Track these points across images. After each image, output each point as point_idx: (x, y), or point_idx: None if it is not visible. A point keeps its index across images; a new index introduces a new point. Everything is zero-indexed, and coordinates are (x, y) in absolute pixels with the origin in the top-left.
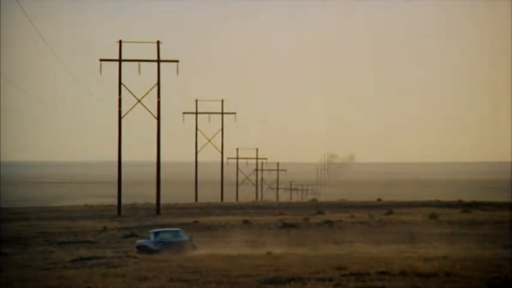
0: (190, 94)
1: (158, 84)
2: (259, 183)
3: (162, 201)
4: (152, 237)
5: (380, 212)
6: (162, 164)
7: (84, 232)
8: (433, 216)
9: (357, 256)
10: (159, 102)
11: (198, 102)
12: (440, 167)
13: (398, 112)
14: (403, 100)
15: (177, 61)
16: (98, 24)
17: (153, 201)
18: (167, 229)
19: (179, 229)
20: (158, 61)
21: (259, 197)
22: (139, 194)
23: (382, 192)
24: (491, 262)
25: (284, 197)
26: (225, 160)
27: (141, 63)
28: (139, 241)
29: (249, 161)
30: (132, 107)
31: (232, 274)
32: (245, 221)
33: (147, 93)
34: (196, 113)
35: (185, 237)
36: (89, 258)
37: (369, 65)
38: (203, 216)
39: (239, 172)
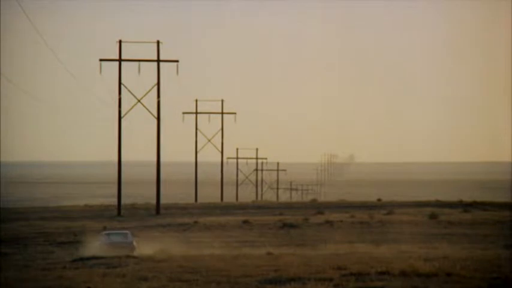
0: (190, 94)
1: (158, 84)
2: (259, 183)
3: (162, 201)
4: (103, 237)
5: (380, 212)
6: (162, 164)
7: (84, 232)
8: (433, 216)
9: (357, 256)
10: (159, 102)
11: (198, 102)
12: (440, 167)
13: (399, 112)
14: (403, 100)
15: (177, 61)
16: (98, 24)
17: (153, 201)
18: (117, 231)
19: (127, 232)
20: (158, 61)
21: (259, 197)
22: (139, 194)
23: (382, 192)
24: (492, 262)
25: (284, 197)
26: (225, 160)
27: (141, 63)
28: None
29: (249, 161)
30: (132, 107)
31: (232, 274)
32: (245, 221)
33: (147, 93)
34: (196, 113)
35: (130, 239)
36: (88, 259)
37: (369, 65)
38: (203, 216)
39: (239, 172)
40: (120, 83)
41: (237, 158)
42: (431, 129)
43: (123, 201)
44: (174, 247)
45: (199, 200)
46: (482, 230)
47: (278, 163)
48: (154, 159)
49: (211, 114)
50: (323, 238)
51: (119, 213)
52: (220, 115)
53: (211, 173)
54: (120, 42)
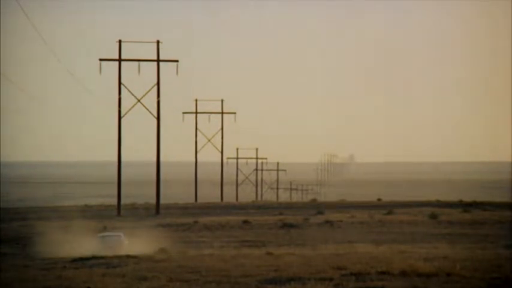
0: (190, 94)
1: (158, 84)
2: (259, 183)
3: (162, 201)
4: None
5: (380, 212)
6: (162, 164)
7: (82, 232)
8: (433, 216)
9: (357, 256)
10: (158, 102)
11: (198, 102)
12: (440, 167)
13: (399, 112)
14: (403, 100)
15: (177, 61)
16: (98, 24)
17: (153, 201)
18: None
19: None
20: (158, 61)
21: (259, 197)
22: (139, 194)
23: (382, 192)
24: (492, 262)
25: (284, 197)
26: (225, 160)
27: (141, 63)
28: None
29: (249, 161)
30: (132, 107)
31: (232, 274)
32: (245, 221)
33: (147, 93)
34: (196, 113)
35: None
36: (88, 259)
37: (370, 65)
38: (203, 216)
39: (239, 172)
40: (120, 83)
41: (237, 158)
42: (431, 129)
43: (123, 201)
44: (174, 247)
45: (199, 200)
46: (482, 230)
47: (278, 163)
48: (154, 159)
49: (211, 114)
50: (323, 238)
51: (118, 213)
52: (220, 115)
53: (211, 173)
54: (120, 42)
